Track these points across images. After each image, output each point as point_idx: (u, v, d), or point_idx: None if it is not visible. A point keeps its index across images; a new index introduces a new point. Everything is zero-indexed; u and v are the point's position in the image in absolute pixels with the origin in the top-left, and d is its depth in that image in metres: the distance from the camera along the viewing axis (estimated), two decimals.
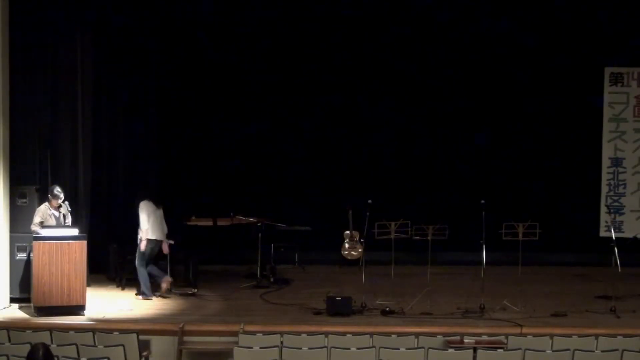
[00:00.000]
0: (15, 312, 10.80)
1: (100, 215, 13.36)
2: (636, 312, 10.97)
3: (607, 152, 14.51)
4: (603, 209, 14.24)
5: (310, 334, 9.10)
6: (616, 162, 14.47)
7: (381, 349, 8.30)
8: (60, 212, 11.00)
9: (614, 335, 8.98)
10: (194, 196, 14.60)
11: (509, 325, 10.10)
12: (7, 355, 7.88)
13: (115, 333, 9.00)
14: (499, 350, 8.53)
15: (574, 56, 14.80)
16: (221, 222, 12.99)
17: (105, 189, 13.79)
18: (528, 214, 11.53)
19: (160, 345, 9.78)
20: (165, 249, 11.90)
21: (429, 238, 11.27)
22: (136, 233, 11.70)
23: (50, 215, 10.92)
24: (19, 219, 11.25)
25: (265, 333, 9.16)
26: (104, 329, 9.37)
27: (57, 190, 11.01)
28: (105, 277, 12.96)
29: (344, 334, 9.14)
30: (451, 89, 15.12)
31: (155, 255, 11.87)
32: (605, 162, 14.51)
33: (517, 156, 15.18)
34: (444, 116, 15.18)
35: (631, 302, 11.42)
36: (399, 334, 9.21)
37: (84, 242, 10.73)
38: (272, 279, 12.89)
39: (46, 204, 11.01)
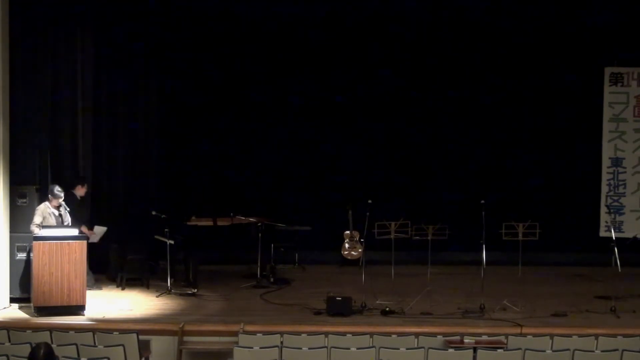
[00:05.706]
0: (15, 312, 10.79)
1: (100, 215, 13.35)
2: (636, 312, 10.98)
3: (607, 152, 14.48)
4: (603, 209, 14.23)
5: (310, 334, 9.10)
6: (616, 162, 14.45)
7: (381, 349, 8.29)
8: (59, 212, 11.01)
9: (614, 335, 8.98)
10: (194, 196, 14.59)
11: (509, 325, 10.09)
12: (7, 355, 7.87)
13: (115, 333, 8.98)
14: (499, 350, 8.51)
15: (574, 56, 14.81)
16: (221, 222, 12.97)
17: (105, 188, 13.78)
18: (528, 214, 11.52)
19: (160, 345, 9.77)
20: None
21: (429, 238, 11.27)
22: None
23: (50, 214, 10.93)
24: (19, 219, 11.25)
25: (265, 333, 9.15)
26: (104, 329, 9.36)
27: (57, 189, 11.02)
28: (105, 277, 12.94)
29: (344, 334, 9.13)
30: (451, 88, 15.12)
31: None
32: (605, 162, 14.48)
33: (517, 156, 15.20)
34: (444, 116, 15.20)
35: (631, 302, 11.43)
36: (399, 334, 9.21)
37: (84, 242, 10.73)
38: (272, 279, 12.90)
39: (46, 203, 11.02)
